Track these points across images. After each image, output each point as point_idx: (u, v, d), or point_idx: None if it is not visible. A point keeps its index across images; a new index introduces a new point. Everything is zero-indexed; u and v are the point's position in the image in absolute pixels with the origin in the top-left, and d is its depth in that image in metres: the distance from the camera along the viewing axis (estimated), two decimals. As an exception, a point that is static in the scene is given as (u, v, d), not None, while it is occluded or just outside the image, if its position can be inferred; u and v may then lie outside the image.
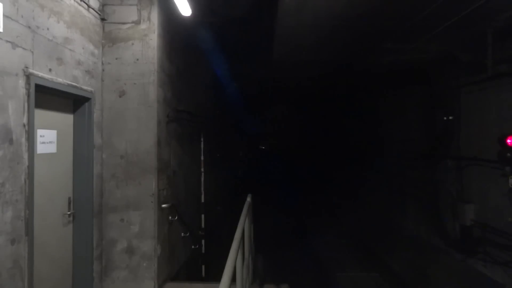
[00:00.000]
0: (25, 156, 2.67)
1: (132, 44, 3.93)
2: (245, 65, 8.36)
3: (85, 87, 3.51)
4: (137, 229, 3.88)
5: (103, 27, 3.92)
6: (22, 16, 2.65)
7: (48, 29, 2.95)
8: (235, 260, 2.21)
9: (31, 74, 2.71)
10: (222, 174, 9.53)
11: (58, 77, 3.08)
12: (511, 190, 5.05)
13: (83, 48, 3.50)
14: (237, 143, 14.88)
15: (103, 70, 3.91)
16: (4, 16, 2.47)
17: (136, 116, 3.92)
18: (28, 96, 2.69)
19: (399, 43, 5.82)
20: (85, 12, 3.55)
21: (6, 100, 2.49)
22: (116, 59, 3.93)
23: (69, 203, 3.48)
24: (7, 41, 2.50)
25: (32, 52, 2.76)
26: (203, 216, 6.27)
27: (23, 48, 2.66)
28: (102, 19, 3.89)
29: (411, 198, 8.30)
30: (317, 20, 4.85)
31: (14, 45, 2.56)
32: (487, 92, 5.73)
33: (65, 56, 3.18)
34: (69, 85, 3.22)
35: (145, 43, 3.94)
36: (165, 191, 4.23)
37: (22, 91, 2.64)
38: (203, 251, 6.13)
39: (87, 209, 3.60)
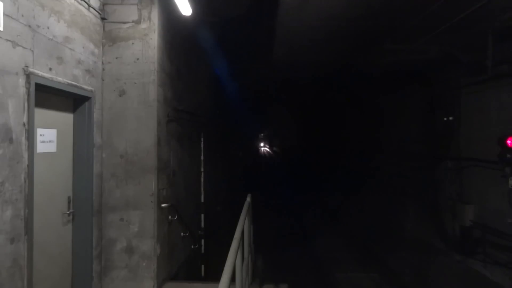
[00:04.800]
0: (25, 155, 2.67)
1: (133, 43, 3.93)
2: (246, 65, 8.37)
3: (85, 86, 3.50)
4: (136, 228, 3.88)
5: (103, 27, 3.92)
6: (22, 15, 2.64)
7: (48, 28, 2.95)
8: (234, 259, 2.21)
9: (31, 73, 2.71)
10: (222, 173, 9.53)
11: (58, 76, 3.08)
12: (511, 191, 5.05)
13: (83, 47, 3.49)
14: (237, 143, 14.88)
15: (103, 69, 3.91)
16: (5, 15, 2.46)
17: (136, 116, 3.91)
18: (28, 95, 2.69)
19: (400, 43, 5.82)
20: (85, 11, 3.54)
21: (6, 99, 2.49)
22: (116, 58, 3.92)
23: (69, 202, 3.48)
24: (7, 40, 2.49)
25: (32, 51, 2.76)
26: (202, 216, 6.27)
27: (23, 47, 2.66)
28: (103, 19, 3.88)
29: (411, 198, 8.31)
30: (318, 20, 4.85)
31: (15, 44, 2.56)
32: (487, 93, 5.73)
33: (65, 55, 3.18)
34: (69, 84, 3.22)
35: (145, 42, 3.93)
36: (164, 190, 4.23)
37: (22, 90, 2.64)
38: (202, 251, 6.13)
39: (86, 208, 3.60)
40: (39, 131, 3.02)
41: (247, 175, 17.35)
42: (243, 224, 3.05)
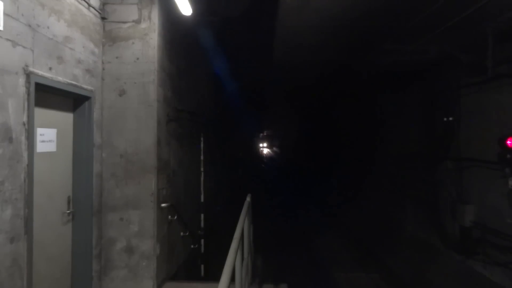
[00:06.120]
0: (25, 154, 2.66)
1: (133, 43, 3.93)
2: (246, 65, 8.36)
3: (85, 86, 3.50)
4: (136, 228, 3.88)
5: (103, 26, 3.92)
6: (22, 15, 2.64)
7: (48, 27, 2.95)
8: (234, 259, 2.21)
9: (31, 72, 2.71)
10: (222, 174, 9.53)
11: (58, 76, 3.07)
12: (511, 191, 5.05)
13: (83, 47, 3.49)
14: (237, 143, 14.88)
15: (103, 69, 3.91)
16: (5, 14, 2.46)
17: (136, 115, 3.91)
18: (28, 94, 2.69)
19: (400, 43, 5.82)
20: (85, 11, 3.54)
21: (6, 99, 2.49)
22: (116, 58, 3.92)
23: (69, 202, 3.48)
24: (8, 40, 2.49)
25: (32, 50, 2.76)
26: (202, 215, 6.27)
27: (23, 47, 2.66)
28: (103, 18, 3.88)
29: (411, 198, 8.30)
30: (318, 20, 4.85)
31: (15, 44, 2.56)
32: (487, 93, 5.73)
33: (65, 55, 3.18)
34: (69, 84, 3.22)
35: (146, 42, 3.93)
36: (164, 190, 4.23)
37: (22, 89, 2.64)
38: (202, 250, 6.13)
39: (86, 208, 3.60)
40: (39, 131, 3.02)
41: (247, 175, 17.35)
42: (243, 224, 3.05)
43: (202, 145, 6.42)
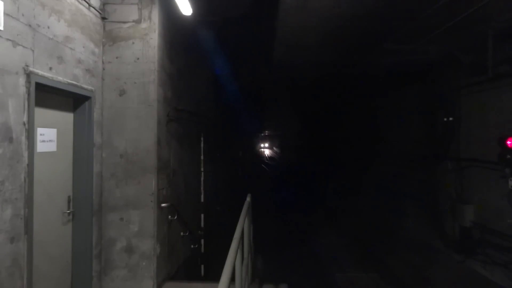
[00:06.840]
0: (25, 154, 2.67)
1: (133, 43, 3.93)
2: (246, 65, 8.36)
3: (85, 86, 3.51)
4: (136, 228, 3.88)
5: (103, 26, 3.92)
6: (23, 15, 2.64)
7: (48, 27, 2.95)
8: (234, 259, 2.21)
9: (31, 72, 2.71)
10: (222, 173, 9.53)
11: (59, 76, 3.08)
12: (511, 192, 5.05)
13: (83, 47, 3.49)
14: (237, 143, 14.88)
15: (103, 69, 3.91)
16: (5, 14, 2.46)
17: (136, 115, 3.92)
18: (28, 94, 2.69)
19: (400, 44, 5.82)
20: (85, 11, 3.54)
21: (6, 99, 2.49)
22: (117, 58, 3.92)
23: (69, 202, 3.48)
24: (8, 39, 2.49)
25: (33, 50, 2.76)
26: (202, 215, 6.27)
27: (24, 47, 2.66)
28: (103, 18, 3.89)
29: (411, 199, 8.31)
30: (318, 20, 4.85)
31: (15, 44, 2.56)
32: (487, 93, 5.73)
33: (65, 55, 3.18)
34: (69, 83, 3.22)
35: (146, 42, 3.93)
36: (164, 190, 4.23)
37: (22, 89, 2.64)
38: (202, 250, 6.13)
39: (86, 207, 3.60)
40: (39, 131, 3.02)
41: (247, 174, 17.35)
42: (243, 223, 3.05)
43: (202, 145, 6.42)
